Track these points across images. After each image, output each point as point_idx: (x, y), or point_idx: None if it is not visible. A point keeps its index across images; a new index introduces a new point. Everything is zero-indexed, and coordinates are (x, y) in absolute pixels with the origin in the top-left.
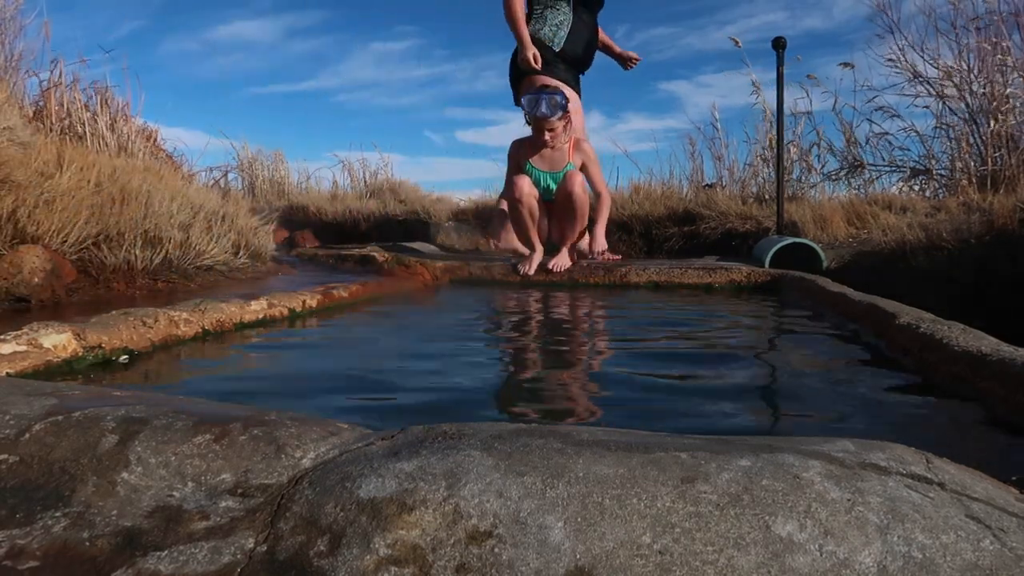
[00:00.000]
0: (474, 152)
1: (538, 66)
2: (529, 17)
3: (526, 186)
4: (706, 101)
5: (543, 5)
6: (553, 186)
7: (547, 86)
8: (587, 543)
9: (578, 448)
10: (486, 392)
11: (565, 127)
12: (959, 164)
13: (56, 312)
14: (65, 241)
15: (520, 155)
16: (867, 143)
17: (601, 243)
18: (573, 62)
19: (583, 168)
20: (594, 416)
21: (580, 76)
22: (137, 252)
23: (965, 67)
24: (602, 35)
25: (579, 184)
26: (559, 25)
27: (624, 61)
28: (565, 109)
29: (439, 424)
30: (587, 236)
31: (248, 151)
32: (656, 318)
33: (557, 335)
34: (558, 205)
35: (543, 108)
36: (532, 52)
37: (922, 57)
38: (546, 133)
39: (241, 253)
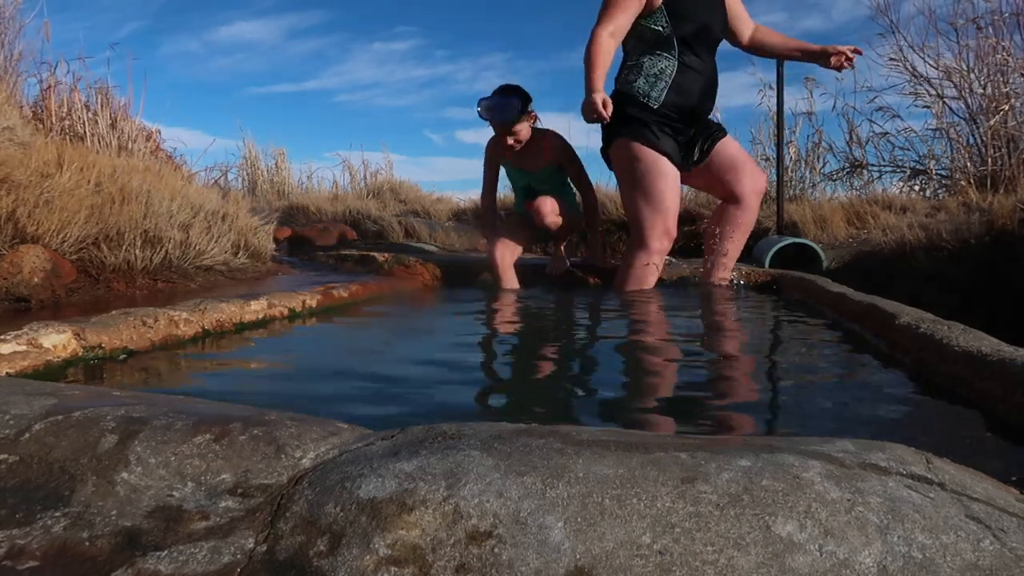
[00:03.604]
0: (474, 152)
1: (607, 113)
2: (623, 66)
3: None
4: None
5: (639, 52)
6: (535, 185)
7: (506, 89)
8: (587, 543)
9: (578, 448)
10: (486, 392)
11: (531, 124)
12: (959, 164)
13: (56, 312)
14: (65, 241)
15: (497, 155)
16: (868, 143)
17: (599, 254)
18: (685, 115)
19: (563, 168)
20: (594, 416)
21: (699, 129)
22: (137, 252)
23: (965, 67)
24: (782, 39)
25: (550, 212)
26: (658, 75)
27: (825, 58)
28: (525, 110)
29: (439, 424)
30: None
31: (253, 148)
32: (655, 318)
33: (556, 335)
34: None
35: (500, 116)
36: (600, 97)
37: (922, 57)
38: (509, 138)
39: (241, 253)
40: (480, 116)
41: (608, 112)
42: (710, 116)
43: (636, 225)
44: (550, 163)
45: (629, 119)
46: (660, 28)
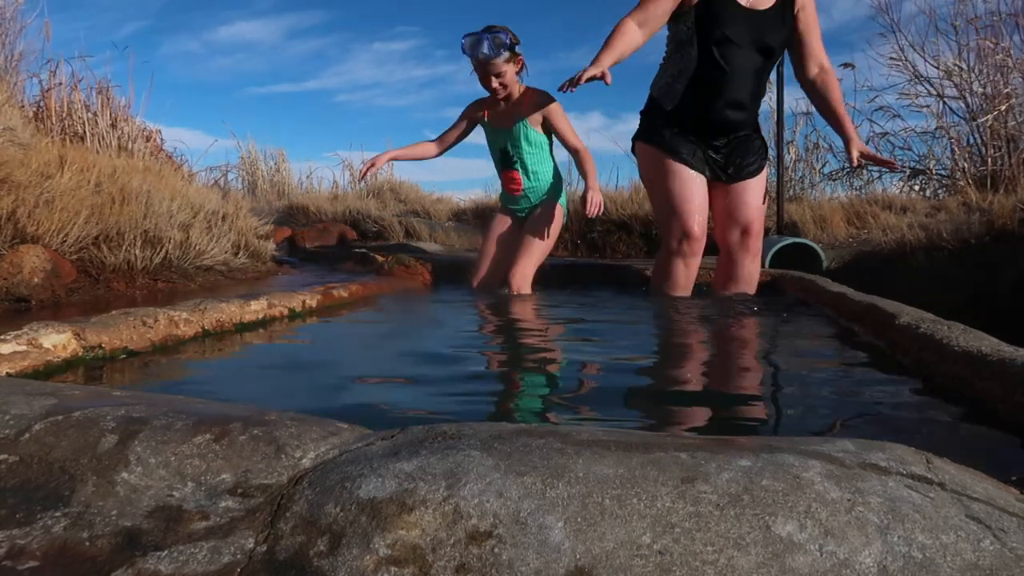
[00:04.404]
0: (474, 152)
1: (572, 82)
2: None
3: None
4: None
5: (669, 52)
6: (510, 149)
7: (493, 27)
8: (587, 543)
9: (578, 448)
10: (486, 392)
11: (518, 72)
12: (959, 164)
13: (56, 312)
14: (65, 241)
15: (474, 114)
16: (868, 143)
17: (597, 200)
18: (701, 122)
19: (544, 124)
20: (593, 416)
21: (734, 141)
22: (137, 252)
23: (965, 67)
24: (832, 100)
25: (537, 228)
26: (676, 77)
27: (849, 144)
28: (511, 50)
29: (439, 424)
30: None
31: (253, 148)
32: (655, 317)
33: (556, 335)
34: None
35: (484, 48)
36: (588, 68)
37: (922, 57)
38: (493, 80)
39: (241, 253)
40: (464, 52)
41: (582, 80)
42: (745, 132)
43: (659, 228)
44: (529, 119)
45: (646, 122)
46: (686, 28)
